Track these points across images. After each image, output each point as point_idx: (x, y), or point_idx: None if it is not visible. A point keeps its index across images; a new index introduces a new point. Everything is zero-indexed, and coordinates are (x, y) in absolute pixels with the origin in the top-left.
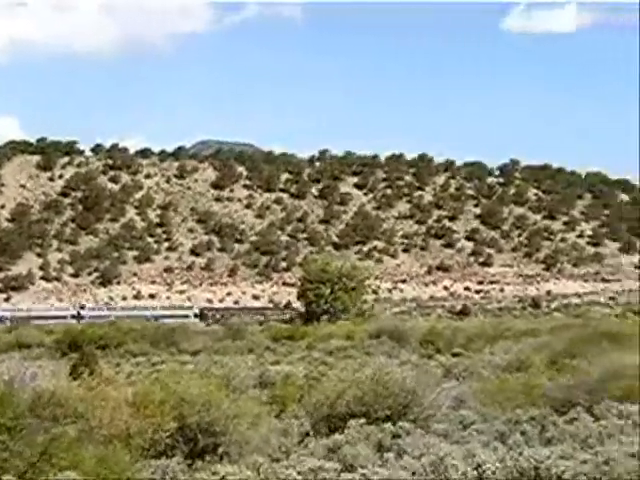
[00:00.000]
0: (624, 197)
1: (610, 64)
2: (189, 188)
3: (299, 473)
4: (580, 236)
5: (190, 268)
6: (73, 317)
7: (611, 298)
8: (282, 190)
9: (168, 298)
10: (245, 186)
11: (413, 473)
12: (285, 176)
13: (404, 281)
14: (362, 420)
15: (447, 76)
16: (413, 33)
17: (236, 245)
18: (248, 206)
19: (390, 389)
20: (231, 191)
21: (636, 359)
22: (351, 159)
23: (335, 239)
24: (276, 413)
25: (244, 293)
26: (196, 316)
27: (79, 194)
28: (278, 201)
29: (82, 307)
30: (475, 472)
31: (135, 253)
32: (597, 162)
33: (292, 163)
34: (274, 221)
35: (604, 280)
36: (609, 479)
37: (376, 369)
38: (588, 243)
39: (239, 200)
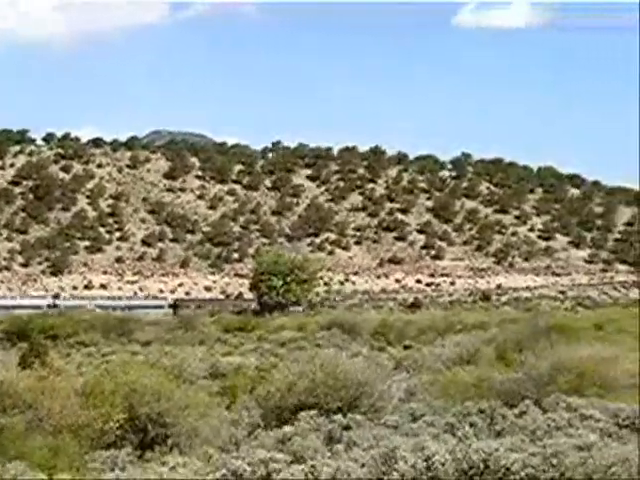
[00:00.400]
0: (575, 192)
1: (560, 60)
2: (141, 178)
3: (249, 464)
4: (531, 230)
5: (142, 258)
6: (49, 306)
7: (561, 292)
8: (235, 181)
9: (119, 288)
10: (197, 177)
11: (363, 465)
12: (238, 167)
13: (356, 273)
14: (312, 412)
15: (400, 71)
16: (366, 30)
17: (188, 236)
18: (200, 197)
19: (341, 381)
20: (183, 182)
21: (584, 352)
22: (304, 151)
23: (288, 231)
24: (227, 404)
25: (196, 284)
26: (170, 307)
27: (30, 183)
28: (231, 192)
29: (56, 296)
30: (425, 464)
31: (86, 243)
32: (549, 156)
33: (245, 154)
34: (226, 212)
35: (554, 274)
36: (557, 471)
37: (327, 361)
38: (539, 237)
39: (191, 191)
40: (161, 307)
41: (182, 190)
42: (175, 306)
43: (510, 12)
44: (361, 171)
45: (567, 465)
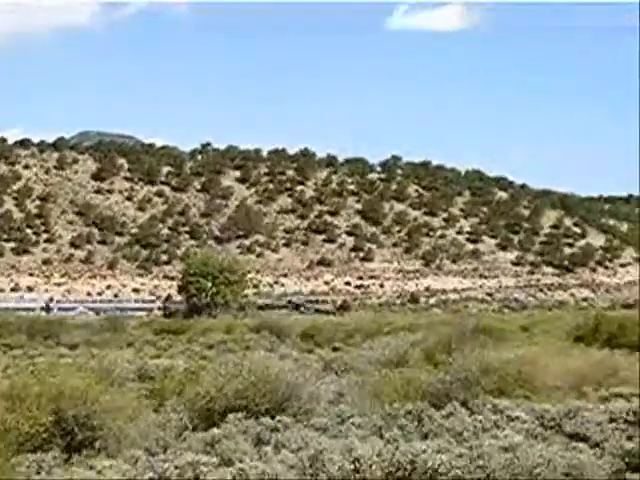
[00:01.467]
0: (502, 195)
1: (493, 62)
2: (69, 179)
3: (176, 467)
4: (459, 232)
5: (69, 260)
6: (42, 309)
7: (488, 294)
8: (163, 183)
9: (47, 291)
10: (126, 178)
11: (291, 467)
12: (166, 169)
13: (285, 275)
14: (241, 414)
15: (330, 73)
16: (296, 30)
17: (116, 238)
18: (129, 198)
19: (270, 383)
20: (112, 183)
21: (510, 354)
22: (233, 153)
23: (217, 233)
24: (155, 407)
25: (124, 286)
26: (159, 309)
27: None
28: (159, 194)
29: (51, 300)
30: (352, 466)
31: (13, 244)
32: (476, 159)
33: (174, 156)
34: (155, 214)
35: (482, 276)
36: (483, 472)
37: (256, 363)
38: (467, 240)
39: (120, 192)
40: (151, 310)
41: (110, 191)
42: (164, 308)
43: (443, 14)
44: (290, 173)
45: (493, 466)
